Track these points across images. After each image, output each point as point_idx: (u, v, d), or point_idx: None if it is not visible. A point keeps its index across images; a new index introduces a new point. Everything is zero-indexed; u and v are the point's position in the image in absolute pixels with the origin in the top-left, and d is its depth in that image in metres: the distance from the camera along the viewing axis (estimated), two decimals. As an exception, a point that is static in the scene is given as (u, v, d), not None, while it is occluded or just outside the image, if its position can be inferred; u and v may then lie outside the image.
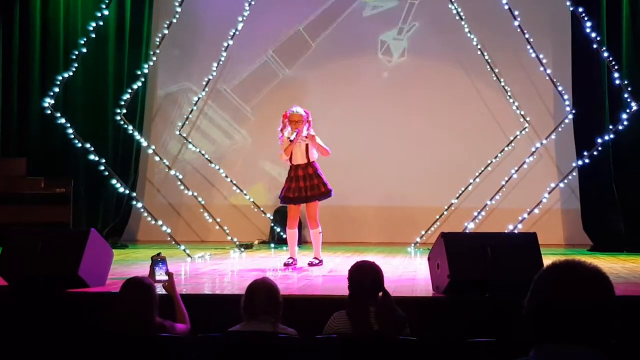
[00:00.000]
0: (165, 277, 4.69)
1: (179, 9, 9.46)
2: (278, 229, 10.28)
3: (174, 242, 8.74)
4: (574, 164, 9.49)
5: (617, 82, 9.04)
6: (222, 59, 10.13)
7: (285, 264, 7.49)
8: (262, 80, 11.07)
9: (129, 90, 9.39)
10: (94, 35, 8.87)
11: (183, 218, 10.95)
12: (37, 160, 9.95)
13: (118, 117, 9.31)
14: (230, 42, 9.95)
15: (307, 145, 7.56)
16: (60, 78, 8.68)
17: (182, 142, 10.62)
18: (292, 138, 7.48)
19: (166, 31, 9.42)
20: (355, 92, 10.88)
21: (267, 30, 10.93)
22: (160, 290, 4.50)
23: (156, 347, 3.92)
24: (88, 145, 8.66)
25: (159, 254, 4.77)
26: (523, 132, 10.21)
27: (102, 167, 8.76)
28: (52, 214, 9.57)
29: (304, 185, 7.54)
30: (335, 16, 10.99)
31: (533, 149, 9.88)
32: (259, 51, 10.99)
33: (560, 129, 9.93)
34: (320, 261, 7.56)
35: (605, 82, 9.57)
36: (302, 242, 10.47)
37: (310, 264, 7.48)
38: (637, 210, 9.59)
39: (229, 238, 9.71)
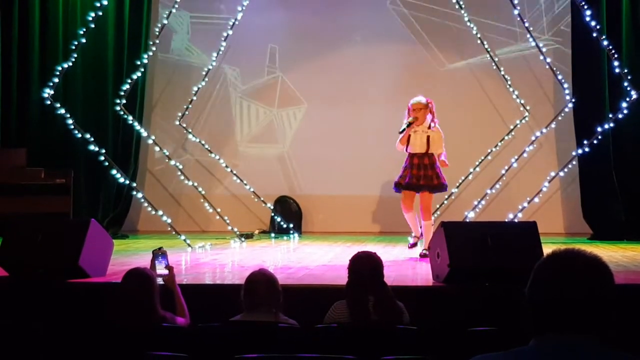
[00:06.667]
0: (166, 271, 4.69)
1: (178, -1, 9.43)
2: (279, 219, 10.28)
3: (174, 232, 8.74)
4: (574, 153, 9.48)
5: (617, 70, 9.03)
6: (222, 48, 10.10)
7: (410, 245, 7.64)
8: (261, 71, 11.04)
9: (129, 81, 9.36)
10: (93, 26, 8.84)
11: (183, 208, 10.95)
12: (37, 151, 9.92)
13: (118, 108, 9.28)
14: (230, 32, 9.93)
15: (428, 136, 7.44)
16: (59, 68, 8.66)
17: (182, 132, 10.59)
18: (404, 127, 7.39)
19: (165, 21, 9.38)
20: (354, 81, 10.84)
21: (266, 21, 10.90)
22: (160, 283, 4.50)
23: (159, 336, 3.93)
24: (88, 136, 8.65)
25: (160, 248, 4.76)
26: (523, 121, 10.19)
27: (102, 158, 8.76)
28: (52, 204, 9.54)
29: (417, 174, 7.46)
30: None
31: (533, 138, 9.86)
32: (258, 42, 10.94)
33: (560, 118, 9.92)
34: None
35: (605, 71, 9.54)
36: (304, 231, 10.49)
37: (422, 255, 7.28)
38: (637, 198, 9.59)
39: (230, 228, 9.71)
